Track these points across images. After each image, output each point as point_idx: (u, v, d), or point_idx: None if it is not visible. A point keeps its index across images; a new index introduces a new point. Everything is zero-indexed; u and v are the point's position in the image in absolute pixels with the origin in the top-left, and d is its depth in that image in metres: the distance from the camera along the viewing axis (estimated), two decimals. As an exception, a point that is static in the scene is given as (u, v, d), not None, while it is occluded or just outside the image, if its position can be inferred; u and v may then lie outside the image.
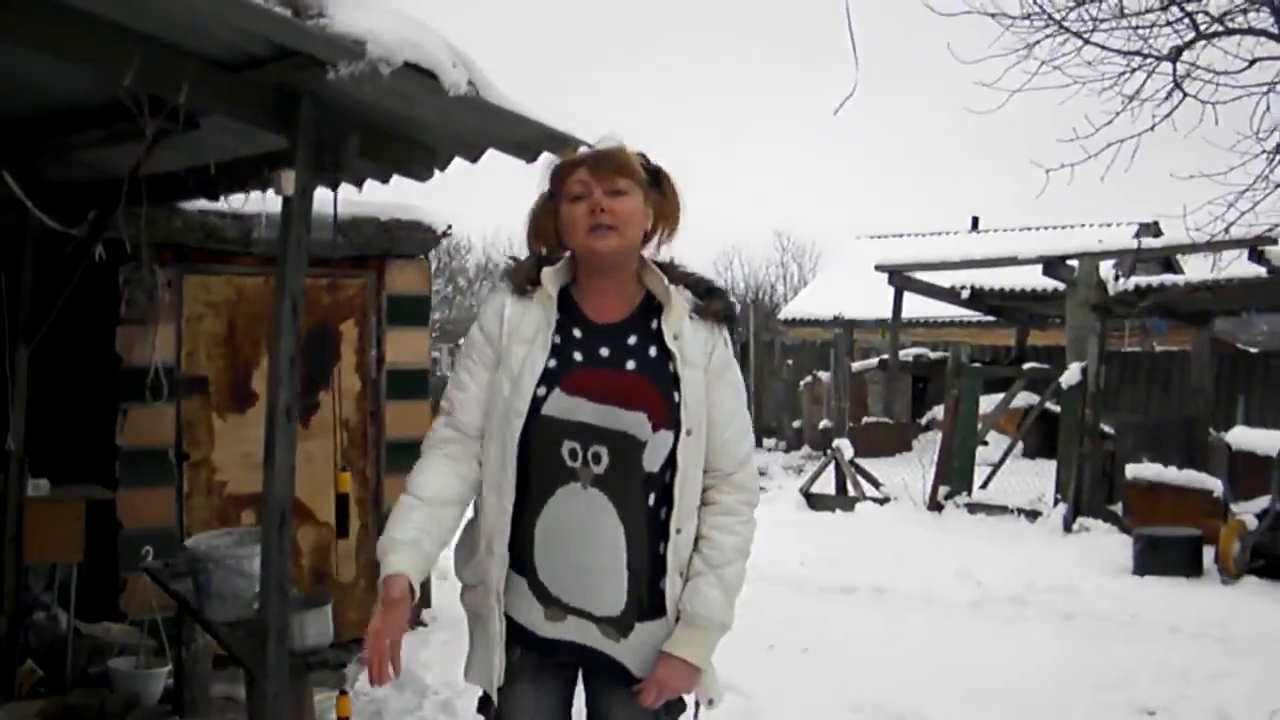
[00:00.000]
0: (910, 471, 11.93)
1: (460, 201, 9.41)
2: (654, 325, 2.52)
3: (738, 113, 77.25)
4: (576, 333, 2.51)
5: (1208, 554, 8.52)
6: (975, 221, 26.08)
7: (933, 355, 16.43)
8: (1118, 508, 10.01)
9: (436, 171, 3.78)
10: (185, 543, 4.39)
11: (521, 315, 2.51)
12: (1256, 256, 11.14)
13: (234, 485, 5.94)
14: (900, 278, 14.54)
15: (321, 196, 4.46)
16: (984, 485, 11.20)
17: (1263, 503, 8.33)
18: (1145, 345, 18.59)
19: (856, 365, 16.09)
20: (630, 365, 2.49)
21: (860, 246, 25.54)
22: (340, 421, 6.25)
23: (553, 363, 2.47)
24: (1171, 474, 9.28)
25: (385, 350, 6.45)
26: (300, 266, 3.35)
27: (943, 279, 15.22)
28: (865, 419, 17.35)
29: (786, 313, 26.46)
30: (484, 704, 2.60)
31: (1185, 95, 6.31)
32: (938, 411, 15.19)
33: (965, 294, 15.13)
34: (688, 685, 2.52)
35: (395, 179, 3.99)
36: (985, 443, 11.95)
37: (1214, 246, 10.09)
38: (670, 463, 2.46)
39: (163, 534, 5.60)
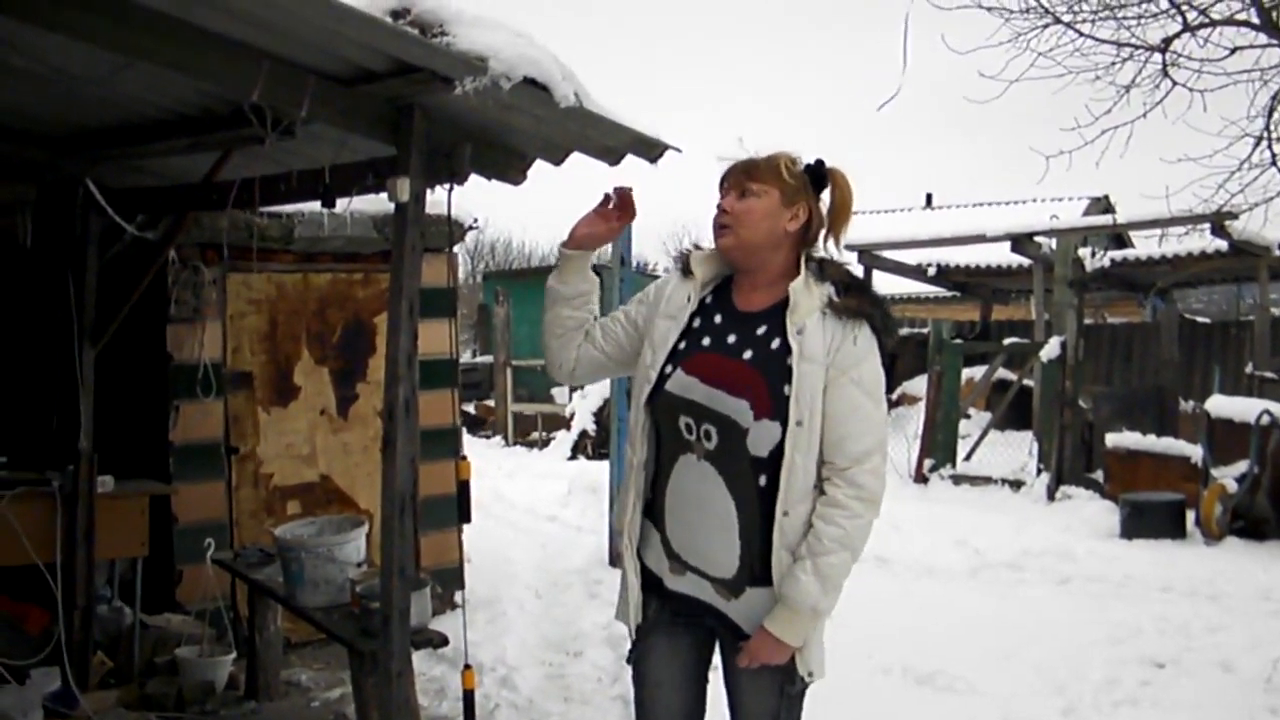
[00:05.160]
0: (889, 445, 12.22)
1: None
2: (784, 319, 2.69)
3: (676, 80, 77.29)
4: (718, 318, 2.77)
5: (1189, 517, 8.91)
6: (929, 198, 26.57)
7: (901, 332, 16.81)
8: (1097, 475, 10.36)
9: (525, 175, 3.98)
10: (274, 532, 4.54)
11: (675, 292, 2.82)
12: (1218, 231, 11.61)
13: (279, 477, 6.11)
14: (869, 256, 14.94)
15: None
16: (967, 457, 11.54)
17: (1241, 467, 8.71)
18: (1097, 318, 19.13)
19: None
20: (747, 355, 2.68)
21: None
22: (377, 412, 6.42)
23: (682, 344, 2.75)
24: (1150, 441, 9.62)
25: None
26: (416, 269, 3.53)
27: (908, 256, 15.64)
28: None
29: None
30: (631, 651, 2.91)
31: (1175, 84, 6.68)
32: (907, 386, 15.55)
33: (932, 271, 15.55)
34: (778, 658, 2.67)
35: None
36: (968, 416, 12.31)
37: (1177, 221, 10.57)
38: (780, 449, 2.61)
39: (216, 527, 5.77)
